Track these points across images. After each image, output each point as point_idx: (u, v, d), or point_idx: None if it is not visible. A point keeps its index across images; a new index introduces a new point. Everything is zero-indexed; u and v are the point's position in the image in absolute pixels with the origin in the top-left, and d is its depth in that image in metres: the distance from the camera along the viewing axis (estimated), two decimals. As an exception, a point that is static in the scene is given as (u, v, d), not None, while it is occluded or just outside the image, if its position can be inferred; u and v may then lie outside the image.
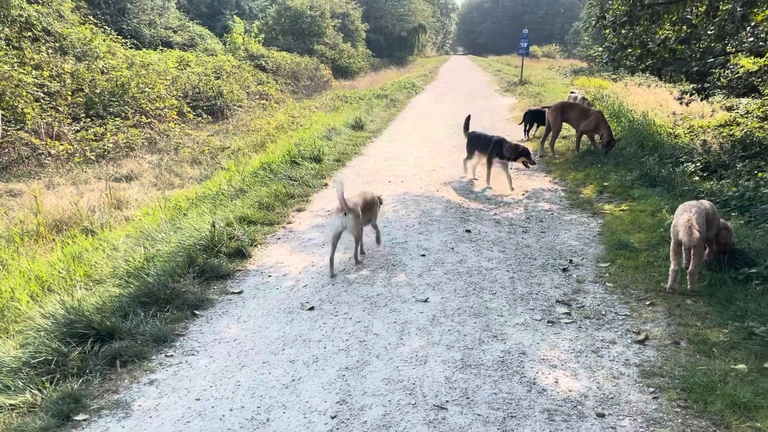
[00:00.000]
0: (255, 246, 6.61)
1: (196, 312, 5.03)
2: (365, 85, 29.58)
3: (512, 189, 9.29)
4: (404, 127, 15.57)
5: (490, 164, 9.58)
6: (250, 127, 15.94)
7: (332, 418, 3.59)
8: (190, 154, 12.59)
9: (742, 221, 7.10)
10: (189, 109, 16.51)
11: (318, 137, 12.86)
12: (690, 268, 5.32)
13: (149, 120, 14.26)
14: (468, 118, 10.79)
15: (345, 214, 5.76)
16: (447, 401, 3.73)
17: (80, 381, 3.93)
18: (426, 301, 5.26)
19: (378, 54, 46.84)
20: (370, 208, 6.26)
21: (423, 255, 6.42)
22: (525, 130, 13.86)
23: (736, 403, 3.57)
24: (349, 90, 26.35)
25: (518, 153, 9.28)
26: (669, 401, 3.71)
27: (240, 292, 5.46)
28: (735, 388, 3.71)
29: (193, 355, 4.39)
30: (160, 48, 23.00)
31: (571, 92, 16.35)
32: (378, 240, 6.64)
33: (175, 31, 26.76)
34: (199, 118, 16.53)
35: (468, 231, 7.28)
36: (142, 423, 3.61)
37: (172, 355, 4.37)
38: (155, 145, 13.27)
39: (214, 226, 6.39)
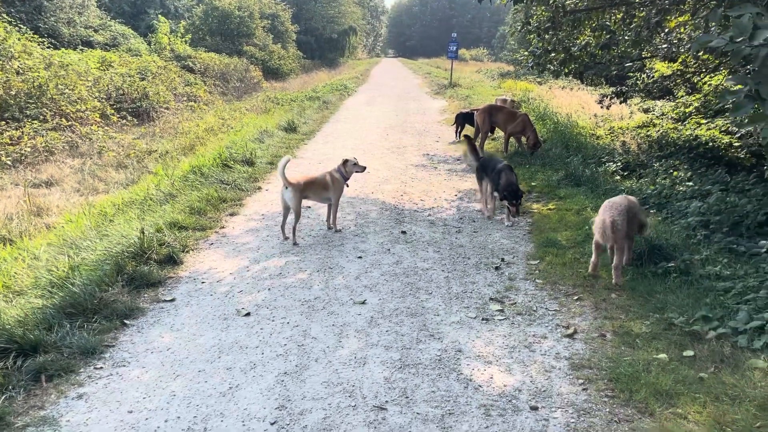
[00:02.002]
0: (187, 252, 6.45)
1: (126, 322, 4.86)
2: (297, 87, 29.36)
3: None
4: (338, 129, 15.57)
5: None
6: (178, 130, 15.51)
7: (272, 424, 3.56)
8: (114, 157, 12.12)
9: (660, 218, 7.52)
10: (113, 111, 15.88)
11: (250, 140, 12.68)
12: (614, 263, 5.59)
13: (70, 123, 13.61)
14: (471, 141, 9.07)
15: (286, 187, 6.64)
16: (387, 401, 3.77)
17: (2, 398, 3.72)
18: (364, 303, 5.29)
19: (309, 56, 46.55)
20: (318, 187, 7.02)
21: (360, 257, 6.45)
22: (456, 132, 14.15)
23: (659, 391, 3.78)
24: (281, 92, 26.07)
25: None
26: (597, 392, 3.88)
27: (172, 300, 5.31)
28: (657, 376, 3.93)
29: (124, 366, 4.24)
30: (80, 48, 21.99)
31: (501, 97, 16.83)
32: (329, 219, 7.42)
33: (96, 30, 25.66)
34: (124, 121, 15.92)
35: (403, 232, 7.36)
36: (71, 440, 3.46)
37: (101, 368, 4.20)
38: (77, 149, 12.68)
39: (143, 232, 6.18)
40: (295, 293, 5.48)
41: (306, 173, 7.41)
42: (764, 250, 6.19)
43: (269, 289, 5.58)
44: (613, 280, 5.59)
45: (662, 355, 4.22)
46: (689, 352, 4.26)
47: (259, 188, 9.45)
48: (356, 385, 3.95)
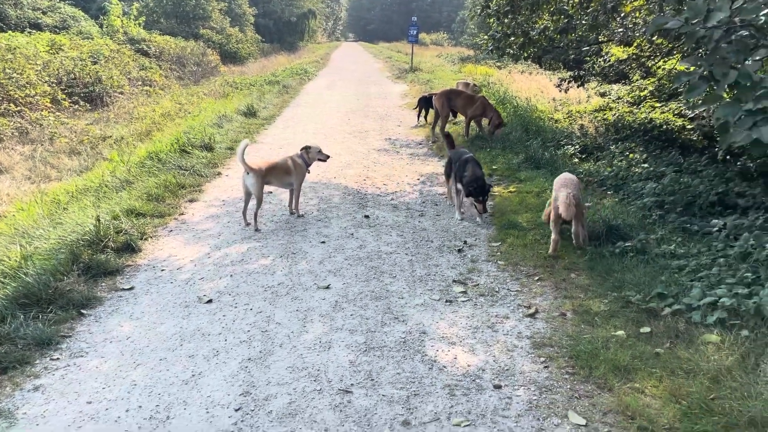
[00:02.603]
0: (145, 239, 6.30)
1: (83, 311, 4.73)
2: (256, 71, 28.90)
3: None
4: (298, 114, 15.40)
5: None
6: (133, 115, 15.11)
7: (236, 410, 3.52)
8: (67, 144, 11.75)
9: (617, 199, 7.69)
10: (64, 96, 15.37)
11: (208, 125, 12.43)
12: (573, 229, 5.85)
13: (18, 108, 13.12)
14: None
15: (247, 173, 6.55)
16: (352, 384, 3.77)
17: (-48, 394, 3.59)
18: (328, 287, 5.27)
19: (268, 39, 45.81)
20: (280, 172, 6.94)
21: (323, 242, 6.42)
22: (418, 116, 14.15)
23: (617, 367, 3.88)
24: (239, 76, 25.63)
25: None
26: (558, 369, 3.97)
27: (131, 288, 5.20)
28: (616, 353, 4.03)
29: (82, 356, 4.13)
30: (28, 30, 21.16)
31: (462, 81, 16.89)
32: (291, 204, 7.35)
33: (44, 12, 24.71)
34: (76, 106, 15.44)
35: (367, 216, 7.34)
36: (29, 431, 3.37)
37: (58, 358, 4.09)
38: (27, 135, 12.25)
39: (98, 219, 6.01)
40: (258, 279, 5.42)
41: (267, 158, 7.31)
42: (716, 229, 6.40)
43: (231, 275, 5.51)
44: (574, 242, 5.94)
45: (620, 332, 4.33)
46: (646, 329, 4.38)
47: (219, 174, 9.29)
48: (321, 369, 3.94)
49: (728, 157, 8.54)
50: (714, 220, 6.60)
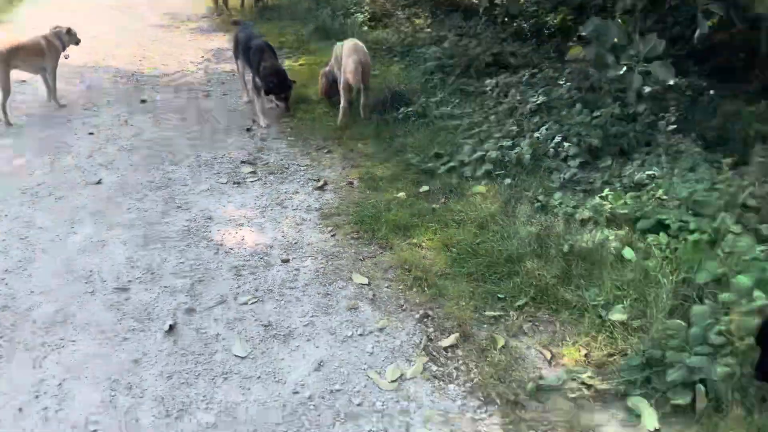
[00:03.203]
0: None
1: None
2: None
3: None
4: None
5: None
6: None
7: (-7, 328, 3.14)
8: None
9: (402, 66, 7.81)
10: None
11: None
12: (363, 101, 5.94)
13: None
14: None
15: None
16: (129, 281, 3.53)
17: None
18: (99, 182, 4.78)
19: None
20: (30, 54, 6.02)
21: (91, 133, 5.75)
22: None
23: (398, 226, 4.07)
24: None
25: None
26: (344, 236, 4.07)
27: None
28: (396, 213, 4.22)
29: None
30: None
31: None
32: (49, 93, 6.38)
33: None
34: None
35: (143, 101, 6.69)
36: None
37: None
38: None
39: None
40: (12, 182, 4.74)
41: (10, 39, 6.19)
42: (489, 88, 6.82)
43: (-23, 181, 4.75)
44: (363, 115, 5.98)
45: (401, 194, 4.53)
46: (424, 188, 4.63)
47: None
48: (94, 271, 3.62)
49: (506, 19, 9.00)
50: (488, 80, 7.01)
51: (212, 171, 5.06)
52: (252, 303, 3.36)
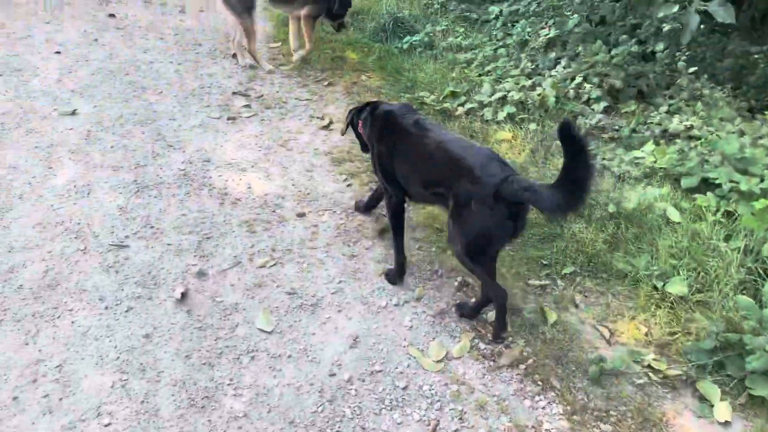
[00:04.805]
0: None
1: None
2: None
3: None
4: None
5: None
6: None
7: (-29, 294, 2.69)
8: None
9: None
10: None
11: None
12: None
13: None
14: None
15: None
16: (127, 236, 3.08)
17: None
18: (74, 113, 4.19)
19: None
20: None
21: (58, 52, 5.05)
22: None
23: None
24: None
25: None
26: (361, 186, 3.67)
27: None
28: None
29: None
30: None
31: None
32: None
33: None
34: None
35: (112, 15, 5.94)
36: None
37: None
38: None
39: None
40: (-28, 109, 4.12)
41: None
42: (493, 16, 6.33)
43: (-71, 107, 4.11)
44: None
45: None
46: (442, 132, 4.22)
47: None
48: (83, 222, 3.15)
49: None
50: (491, 6, 6.50)
51: (202, 103, 4.51)
52: (271, 266, 2.98)
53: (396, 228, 2.91)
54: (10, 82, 4.48)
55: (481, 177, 2.38)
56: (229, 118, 4.32)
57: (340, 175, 3.76)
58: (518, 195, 2.29)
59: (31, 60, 4.86)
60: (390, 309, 2.80)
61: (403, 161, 2.76)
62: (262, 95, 4.71)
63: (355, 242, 3.20)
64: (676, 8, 3.58)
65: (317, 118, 4.43)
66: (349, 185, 3.68)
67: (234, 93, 4.70)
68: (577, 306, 2.87)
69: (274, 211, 3.38)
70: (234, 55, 5.26)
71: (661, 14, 3.65)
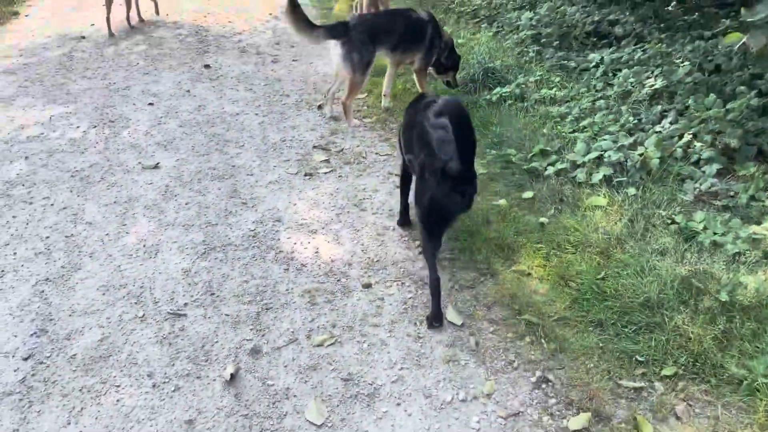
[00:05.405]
0: None
1: None
2: None
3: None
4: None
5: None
6: None
7: (25, 359, 2.64)
8: None
9: (491, 33, 6.94)
10: None
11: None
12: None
13: None
14: None
15: None
16: (186, 304, 2.98)
17: None
18: (156, 166, 4.24)
19: None
20: None
21: (151, 103, 5.21)
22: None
23: (500, 246, 3.37)
24: None
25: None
26: (436, 254, 3.40)
27: None
28: (497, 228, 3.52)
29: None
30: None
31: None
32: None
33: None
34: None
35: (207, 66, 6.10)
36: None
37: None
38: None
39: None
40: (64, 160, 4.26)
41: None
42: (593, 64, 5.92)
43: (26, 157, 4.29)
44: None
45: (502, 201, 3.81)
46: (528, 194, 3.89)
47: (16, 14, 7.35)
48: (145, 286, 3.09)
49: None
50: (591, 54, 6.10)
51: (281, 157, 4.45)
52: (329, 345, 2.76)
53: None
54: (101, 134, 4.63)
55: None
56: (306, 174, 4.21)
57: (413, 242, 3.51)
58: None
59: (124, 111, 5.03)
60: (455, 405, 2.49)
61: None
62: (342, 149, 4.59)
63: (422, 321, 2.92)
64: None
65: (395, 175, 4.23)
66: (421, 253, 3.41)
67: (314, 146, 4.61)
68: (678, 418, 2.42)
69: (339, 280, 3.18)
70: (320, 107, 5.21)
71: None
